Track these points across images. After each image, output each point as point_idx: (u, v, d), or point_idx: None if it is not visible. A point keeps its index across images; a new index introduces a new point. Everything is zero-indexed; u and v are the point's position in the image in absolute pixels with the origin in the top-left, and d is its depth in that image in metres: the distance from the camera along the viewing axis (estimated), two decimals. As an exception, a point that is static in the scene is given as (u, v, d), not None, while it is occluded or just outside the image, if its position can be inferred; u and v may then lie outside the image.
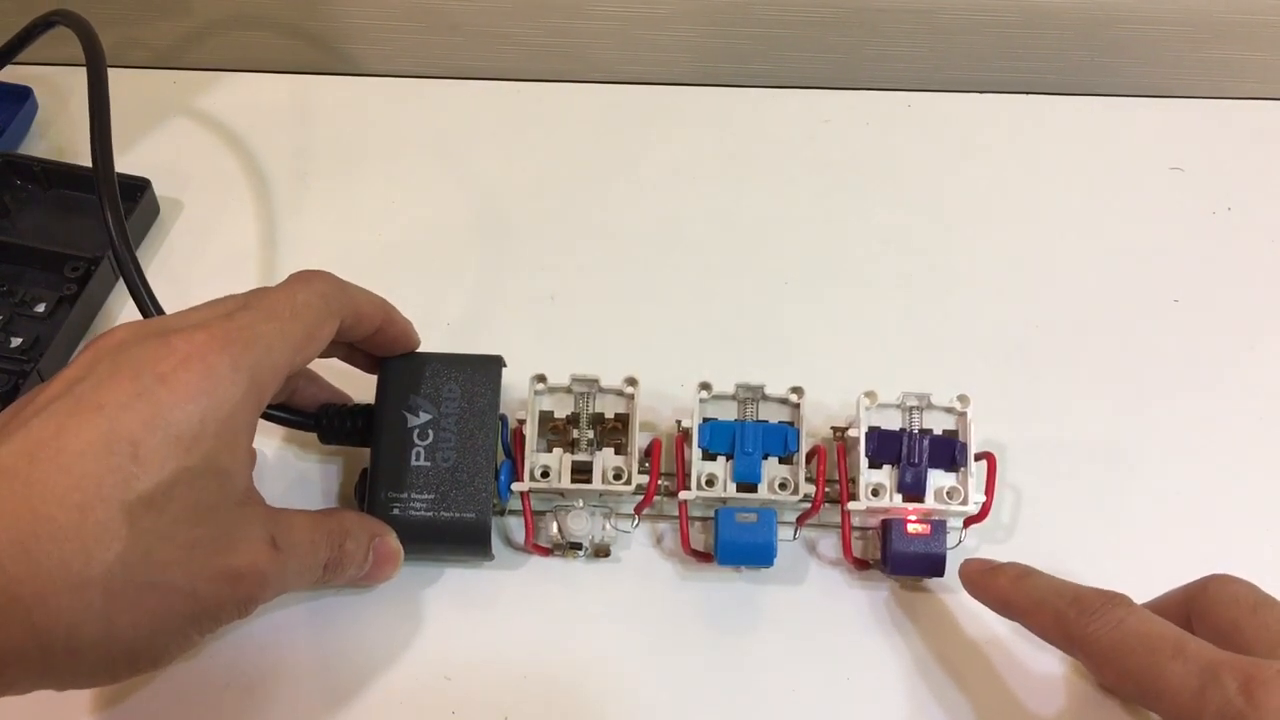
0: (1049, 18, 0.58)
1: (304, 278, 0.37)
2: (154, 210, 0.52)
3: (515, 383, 0.44)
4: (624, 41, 0.60)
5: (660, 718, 0.40)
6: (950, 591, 0.42)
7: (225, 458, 0.33)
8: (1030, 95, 0.60)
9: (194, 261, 0.51)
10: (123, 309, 0.49)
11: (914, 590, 0.43)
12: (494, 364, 0.42)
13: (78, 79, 0.52)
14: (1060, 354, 0.50)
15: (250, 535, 0.34)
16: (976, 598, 0.40)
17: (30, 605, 0.29)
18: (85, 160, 0.52)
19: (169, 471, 0.31)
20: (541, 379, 0.43)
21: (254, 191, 0.54)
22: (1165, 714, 0.33)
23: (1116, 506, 0.45)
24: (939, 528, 0.42)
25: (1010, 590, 0.38)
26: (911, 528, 0.41)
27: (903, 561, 0.42)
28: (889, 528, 0.42)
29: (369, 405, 0.42)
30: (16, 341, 0.46)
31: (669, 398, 0.46)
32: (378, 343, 0.41)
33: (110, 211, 0.43)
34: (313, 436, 0.43)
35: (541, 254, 0.52)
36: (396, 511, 0.40)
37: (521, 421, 0.42)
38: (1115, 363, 0.49)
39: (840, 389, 0.46)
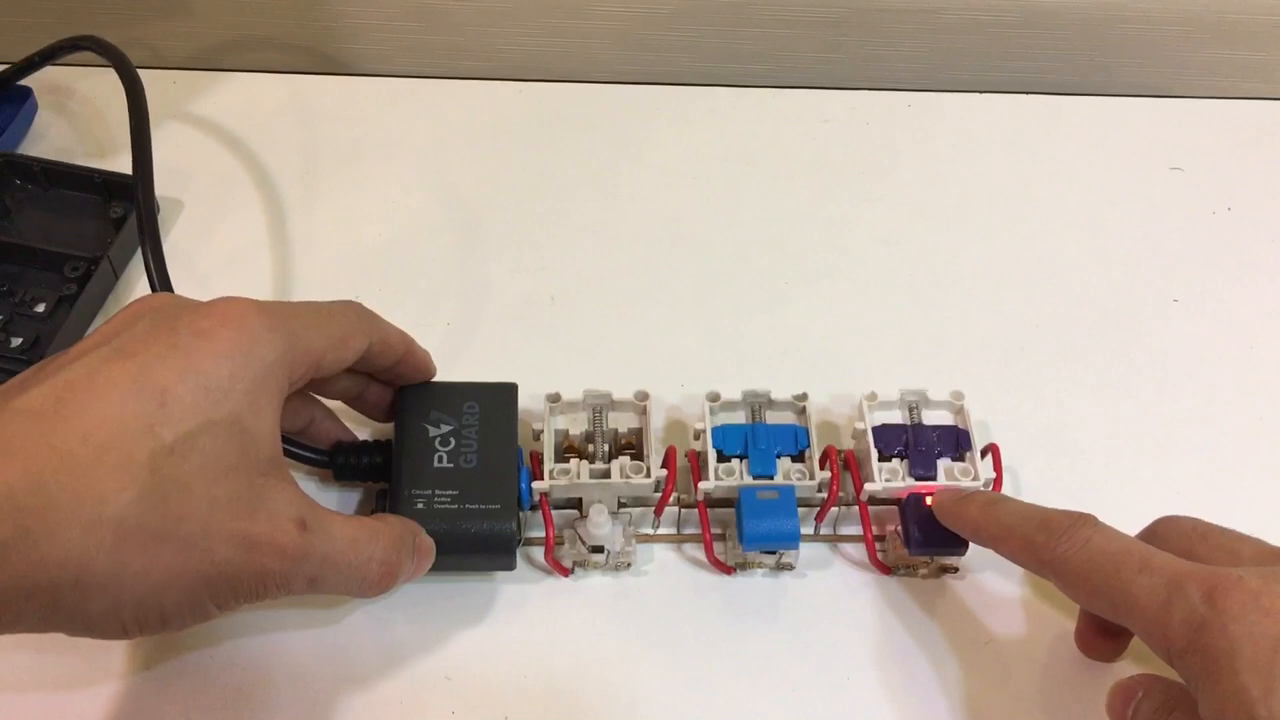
0: (1049, 18, 0.58)
1: (339, 301, 0.39)
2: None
3: (522, 396, 0.44)
4: (624, 41, 0.60)
5: (662, 717, 0.40)
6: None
7: (251, 418, 0.33)
8: (1030, 95, 0.60)
9: (194, 261, 0.51)
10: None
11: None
12: (509, 391, 0.43)
13: (78, 79, 0.53)
14: (1060, 354, 0.50)
15: (273, 508, 0.33)
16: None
17: (40, 539, 0.29)
18: (85, 160, 0.52)
19: (195, 422, 0.31)
20: (555, 398, 0.43)
21: (254, 191, 0.54)
22: (1135, 626, 0.34)
23: (1115, 506, 0.45)
24: None
25: (980, 518, 0.39)
26: (929, 500, 0.41)
27: (925, 537, 0.41)
28: (908, 507, 0.41)
29: (384, 440, 0.42)
30: (16, 341, 0.46)
31: (668, 397, 0.46)
32: (399, 373, 0.42)
33: (153, 252, 0.45)
34: (327, 474, 0.43)
35: (541, 254, 0.52)
36: (421, 506, 0.40)
37: (538, 432, 0.42)
38: (1115, 362, 0.49)
39: (839, 388, 0.46)
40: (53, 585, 0.29)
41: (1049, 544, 0.36)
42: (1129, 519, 0.45)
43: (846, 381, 0.47)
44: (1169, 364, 0.49)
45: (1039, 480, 0.46)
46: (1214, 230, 0.54)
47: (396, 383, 0.42)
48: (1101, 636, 0.40)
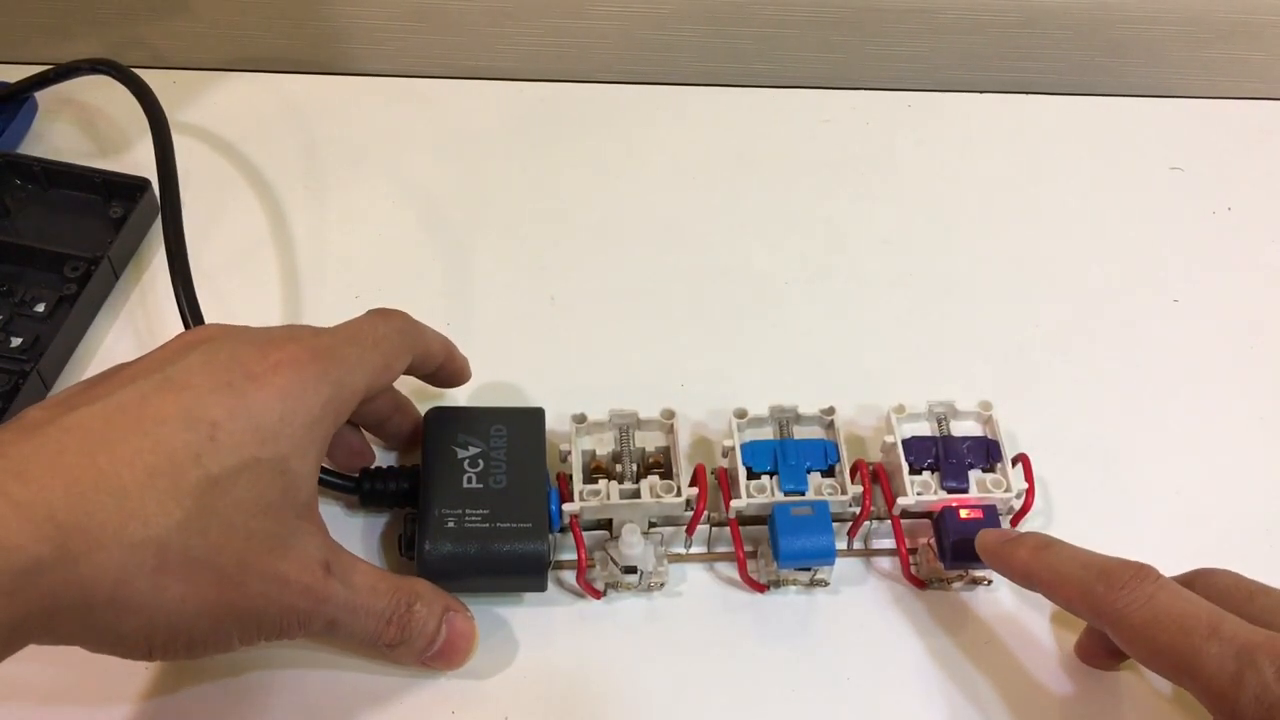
0: (1049, 18, 0.58)
1: (383, 314, 0.39)
2: (154, 210, 0.52)
3: (529, 400, 0.44)
4: (624, 41, 0.60)
5: (662, 717, 0.40)
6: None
7: (295, 461, 0.33)
8: (1030, 95, 0.60)
9: (193, 261, 0.51)
10: (123, 309, 0.49)
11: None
12: (536, 415, 0.43)
13: (78, 79, 0.52)
14: (1060, 354, 0.50)
15: (303, 549, 0.34)
16: (995, 569, 0.39)
17: (80, 557, 0.29)
18: (85, 160, 0.52)
19: (242, 458, 0.32)
20: (581, 419, 0.42)
21: (254, 192, 0.54)
22: (1199, 695, 0.33)
23: (1114, 507, 0.45)
24: (990, 512, 0.41)
25: (1032, 562, 0.37)
26: (964, 513, 0.41)
27: (961, 549, 0.40)
28: (942, 519, 0.41)
29: (410, 467, 0.42)
30: (16, 341, 0.46)
31: (668, 397, 0.46)
32: (439, 379, 0.42)
33: (184, 287, 0.45)
34: (352, 499, 0.43)
35: (541, 254, 0.52)
36: (452, 524, 0.39)
37: (565, 454, 0.42)
38: (1115, 363, 0.49)
39: (838, 389, 0.46)
40: (87, 602, 0.29)
41: (1109, 595, 0.34)
42: (1125, 521, 0.45)
43: (844, 381, 0.47)
44: (1169, 364, 0.49)
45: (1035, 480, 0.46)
46: (1214, 230, 0.54)
47: (436, 385, 0.43)
48: (1105, 655, 0.40)
